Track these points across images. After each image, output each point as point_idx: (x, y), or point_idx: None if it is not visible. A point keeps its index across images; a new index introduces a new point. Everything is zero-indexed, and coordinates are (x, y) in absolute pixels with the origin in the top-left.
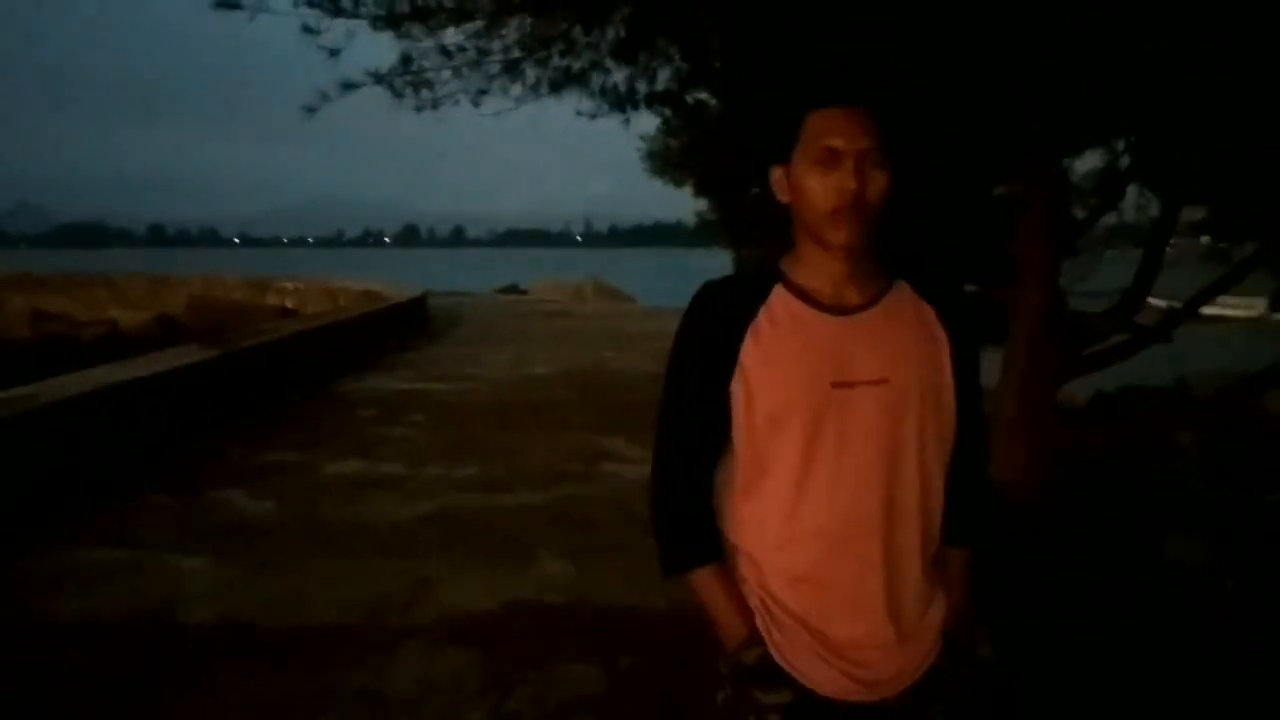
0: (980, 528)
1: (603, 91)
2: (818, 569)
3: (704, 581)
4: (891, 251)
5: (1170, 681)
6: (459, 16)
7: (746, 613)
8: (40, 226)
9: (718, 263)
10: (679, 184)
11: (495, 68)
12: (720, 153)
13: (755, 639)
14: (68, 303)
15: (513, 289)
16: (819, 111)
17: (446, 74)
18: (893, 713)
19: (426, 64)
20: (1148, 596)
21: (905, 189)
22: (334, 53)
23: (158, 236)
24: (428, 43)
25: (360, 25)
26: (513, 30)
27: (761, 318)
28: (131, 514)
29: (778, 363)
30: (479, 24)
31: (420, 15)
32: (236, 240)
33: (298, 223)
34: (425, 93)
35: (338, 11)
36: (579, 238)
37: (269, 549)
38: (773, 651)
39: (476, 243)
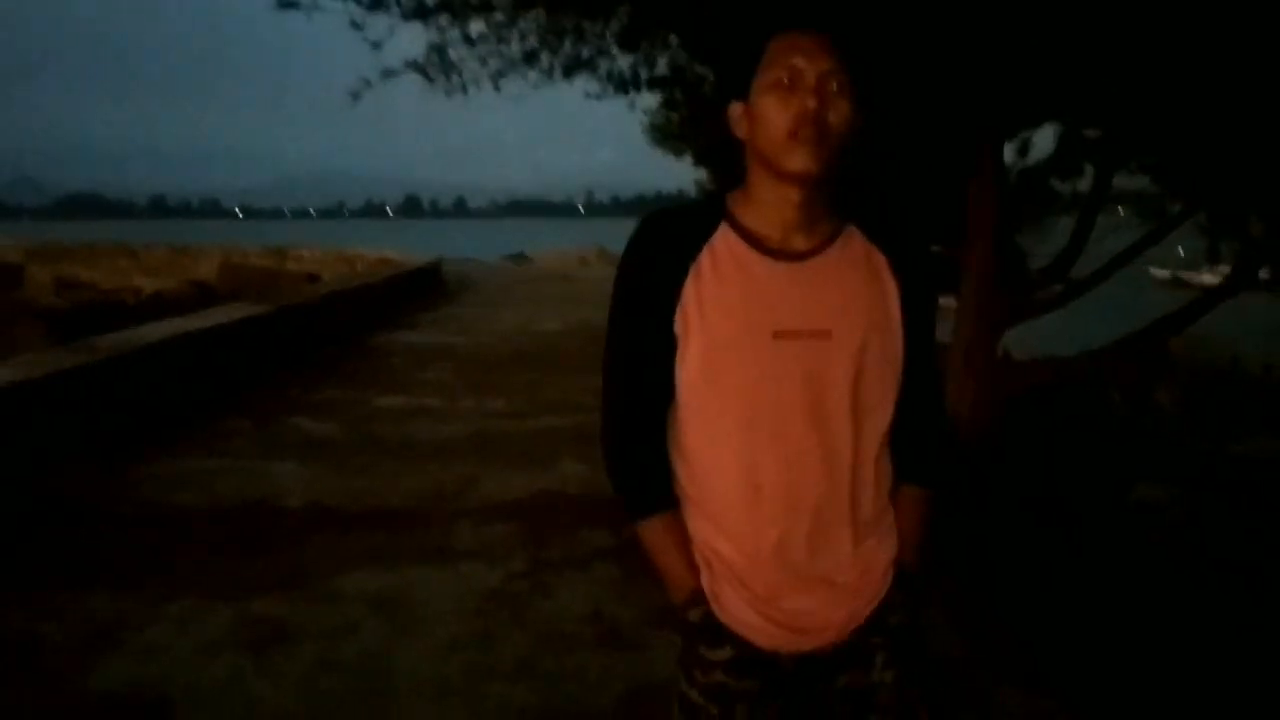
0: (935, 468)
1: (609, 76)
2: (757, 521)
3: (652, 533)
4: (845, 194)
5: (1123, 602)
6: (482, 8)
7: (694, 568)
8: (40, 198)
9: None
10: (679, 154)
11: (515, 55)
12: (715, 124)
13: (699, 596)
14: (91, 272)
15: (520, 257)
16: (781, 36)
17: (471, 60)
18: (836, 654)
19: (453, 53)
20: (1112, 532)
21: (867, 128)
22: (376, 45)
23: (159, 208)
24: (453, 32)
25: (393, 20)
26: (530, 21)
27: (704, 257)
28: (221, 435)
29: (717, 307)
30: (500, 15)
31: (448, 6)
32: (238, 211)
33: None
34: (455, 78)
35: (376, 5)
36: (581, 208)
37: (339, 458)
38: (714, 608)
39: (479, 213)
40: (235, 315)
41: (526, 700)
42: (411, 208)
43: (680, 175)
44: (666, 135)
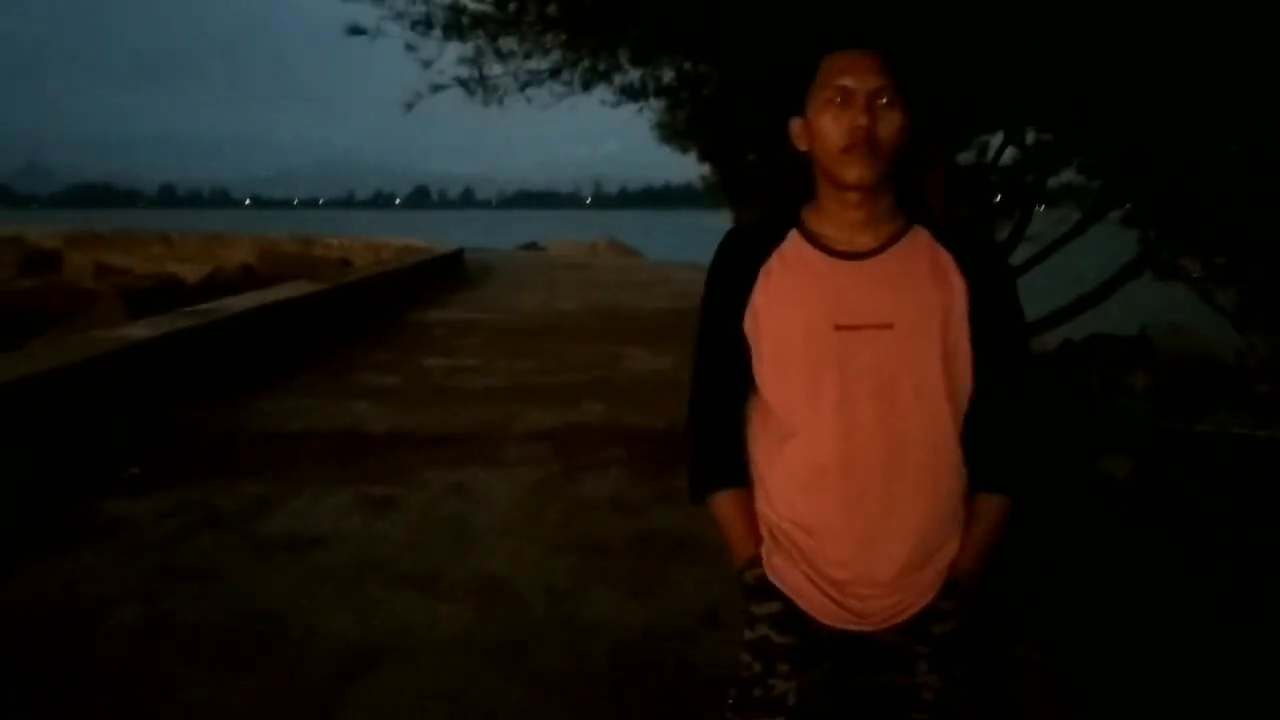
0: (1015, 476)
1: (622, 88)
2: (818, 507)
3: (721, 504)
4: (912, 196)
5: (1079, 558)
6: (512, 25)
7: (756, 538)
8: (51, 187)
9: (721, 223)
10: (685, 151)
11: (541, 69)
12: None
13: (756, 560)
14: (126, 258)
15: (533, 246)
16: (832, 56)
17: (504, 76)
18: (878, 644)
19: (487, 70)
20: (1075, 499)
21: (923, 135)
22: (426, 64)
23: (169, 197)
24: (488, 48)
25: (440, 43)
26: (554, 40)
27: (774, 260)
28: (305, 385)
29: (782, 304)
30: (527, 32)
31: (482, 24)
32: (247, 201)
33: (308, 184)
34: (489, 91)
35: (427, 27)
36: (588, 199)
37: (404, 400)
38: (768, 573)
39: (486, 204)
40: (301, 291)
41: (565, 539)
42: (420, 198)
43: (689, 168)
44: (673, 133)
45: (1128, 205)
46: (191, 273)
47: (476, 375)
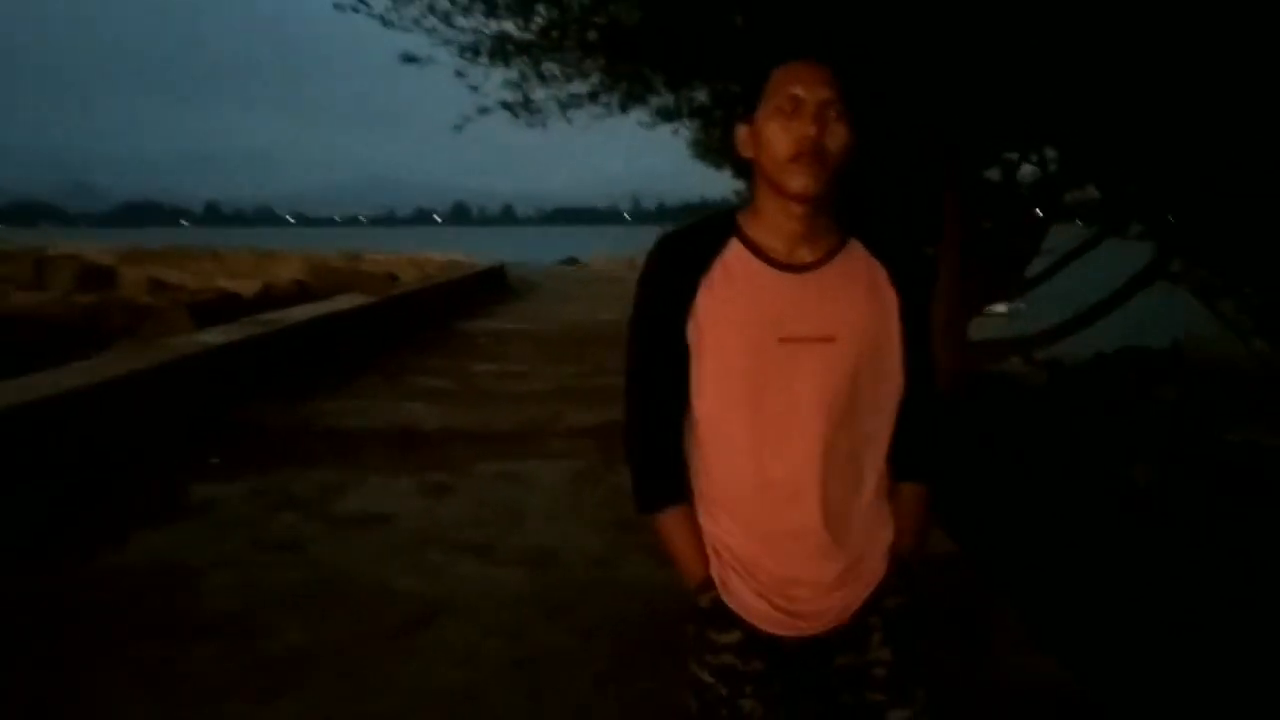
0: (933, 464)
1: (658, 110)
2: (762, 517)
3: (667, 524)
4: (847, 210)
5: (1098, 554)
6: (553, 50)
7: (704, 557)
8: (100, 205)
9: None
10: (719, 167)
11: (582, 92)
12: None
13: (709, 584)
14: (180, 274)
15: (572, 260)
16: (784, 66)
17: (547, 100)
18: (836, 636)
19: (531, 94)
20: (1100, 505)
21: (864, 148)
22: (474, 88)
23: (214, 214)
24: (531, 73)
25: (486, 68)
26: (593, 65)
27: (716, 269)
28: (363, 387)
29: (727, 316)
30: (569, 58)
31: (526, 50)
32: (290, 218)
33: (350, 201)
34: (536, 114)
35: (475, 54)
36: (627, 215)
37: (455, 401)
38: (723, 595)
39: (526, 220)
40: (356, 303)
41: (605, 518)
42: (460, 215)
43: (726, 183)
44: (707, 150)
45: (1136, 219)
46: (244, 288)
47: (522, 380)
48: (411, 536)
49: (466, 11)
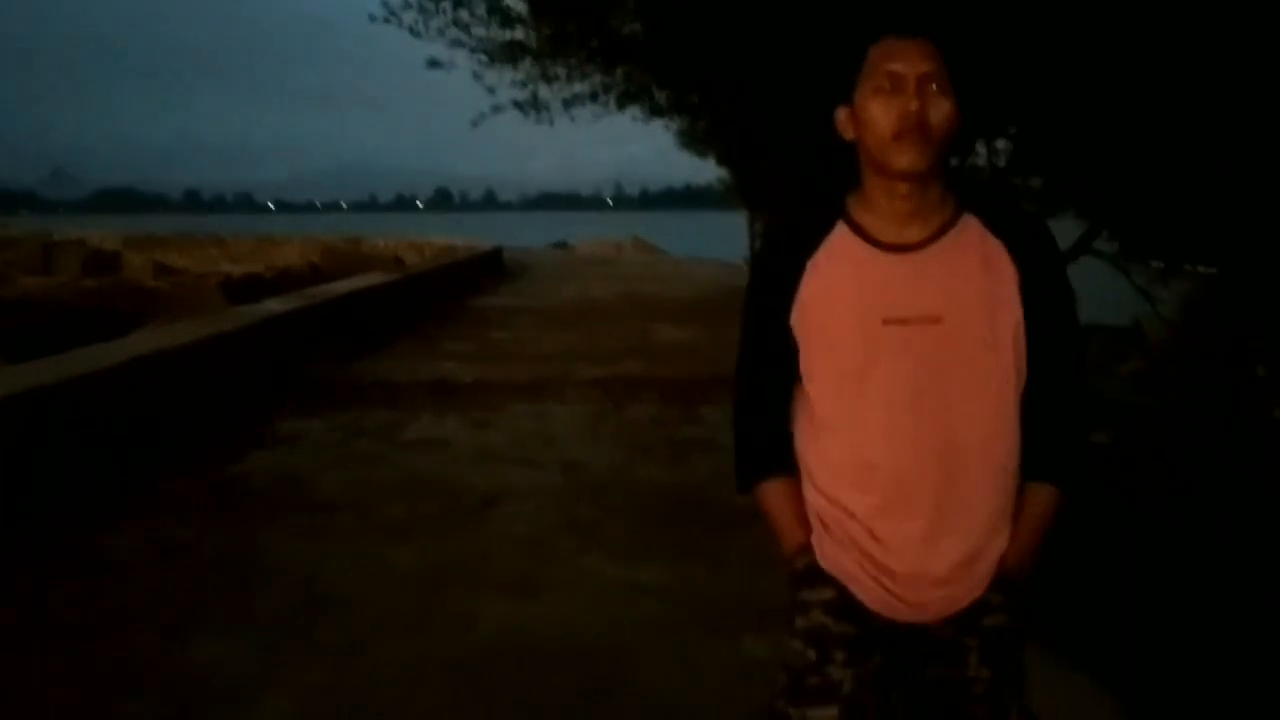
0: (1065, 465)
1: (651, 107)
2: (872, 502)
3: (769, 494)
4: (963, 184)
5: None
6: (557, 55)
7: (805, 526)
8: (76, 192)
9: (738, 223)
10: (703, 156)
11: (584, 93)
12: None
13: (807, 548)
14: (184, 259)
15: (562, 244)
16: (881, 43)
17: (550, 97)
18: (930, 638)
19: (538, 93)
20: None
21: (971, 121)
22: (491, 90)
23: (194, 201)
24: (536, 75)
25: (499, 71)
26: (594, 69)
27: (821, 253)
28: (399, 350)
29: (830, 298)
30: (573, 62)
31: (534, 55)
32: (270, 205)
33: (330, 188)
34: (543, 111)
35: (491, 59)
36: (610, 201)
37: (481, 360)
38: (820, 560)
39: (508, 206)
40: (383, 279)
41: (620, 441)
42: (442, 200)
43: (709, 170)
44: (693, 140)
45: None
46: (252, 270)
47: (535, 344)
48: (467, 453)
49: (485, 23)
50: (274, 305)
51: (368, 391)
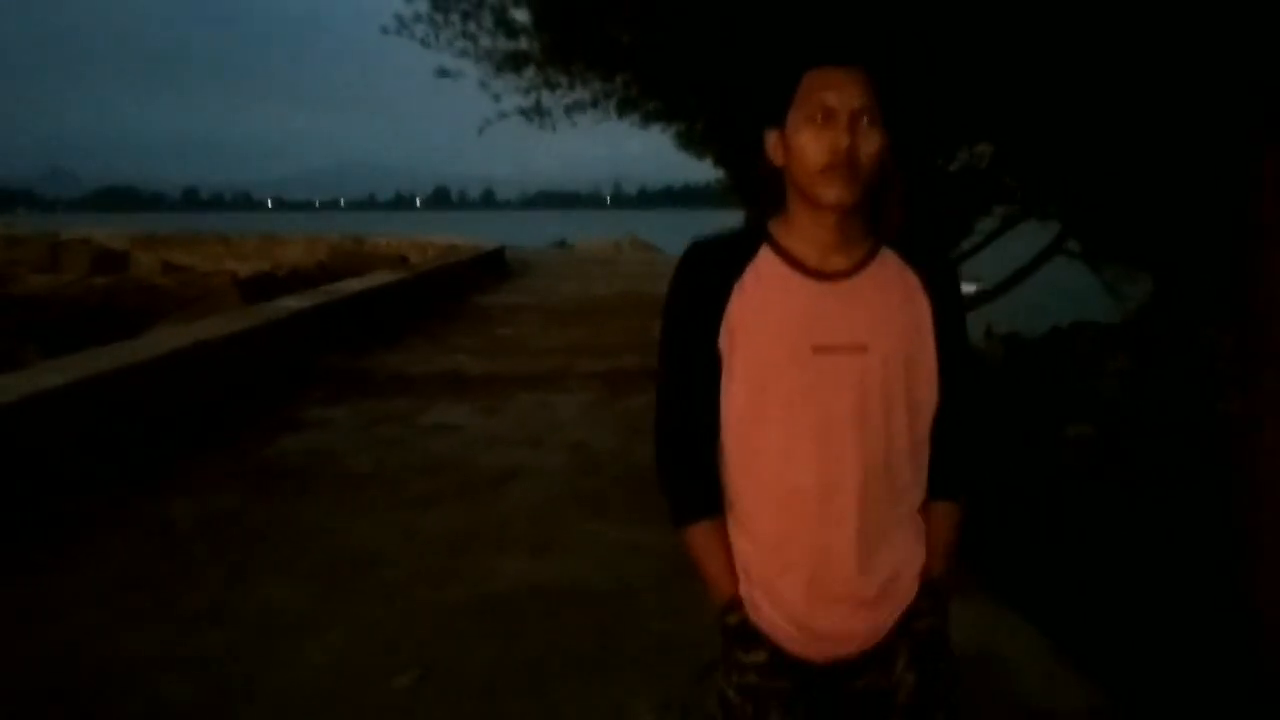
0: (968, 482)
1: (647, 113)
2: (791, 531)
3: (696, 538)
4: (878, 216)
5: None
6: (559, 63)
7: (733, 575)
8: (75, 190)
9: (736, 222)
10: (700, 157)
11: (584, 100)
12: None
13: (737, 603)
14: (191, 257)
15: (562, 243)
16: (815, 71)
17: (552, 103)
18: (862, 657)
19: (542, 101)
20: (1039, 458)
21: (900, 153)
22: (497, 97)
23: (192, 200)
24: (539, 81)
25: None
26: (593, 76)
27: (748, 277)
28: (410, 345)
29: (760, 324)
30: (574, 69)
31: (537, 63)
32: (269, 204)
33: (329, 186)
34: (546, 117)
35: (497, 69)
36: (608, 199)
37: (488, 354)
38: (750, 614)
39: (507, 204)
40: (392, 278)
41: (618, 427)
42: (441, 199)
43: (706, 169)
44: (690, 140)
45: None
46: (260, 269)
47: (538, 339)
48: (480, 437)
49: (492, 34)
50: (294, 302)
51: (384, 383)
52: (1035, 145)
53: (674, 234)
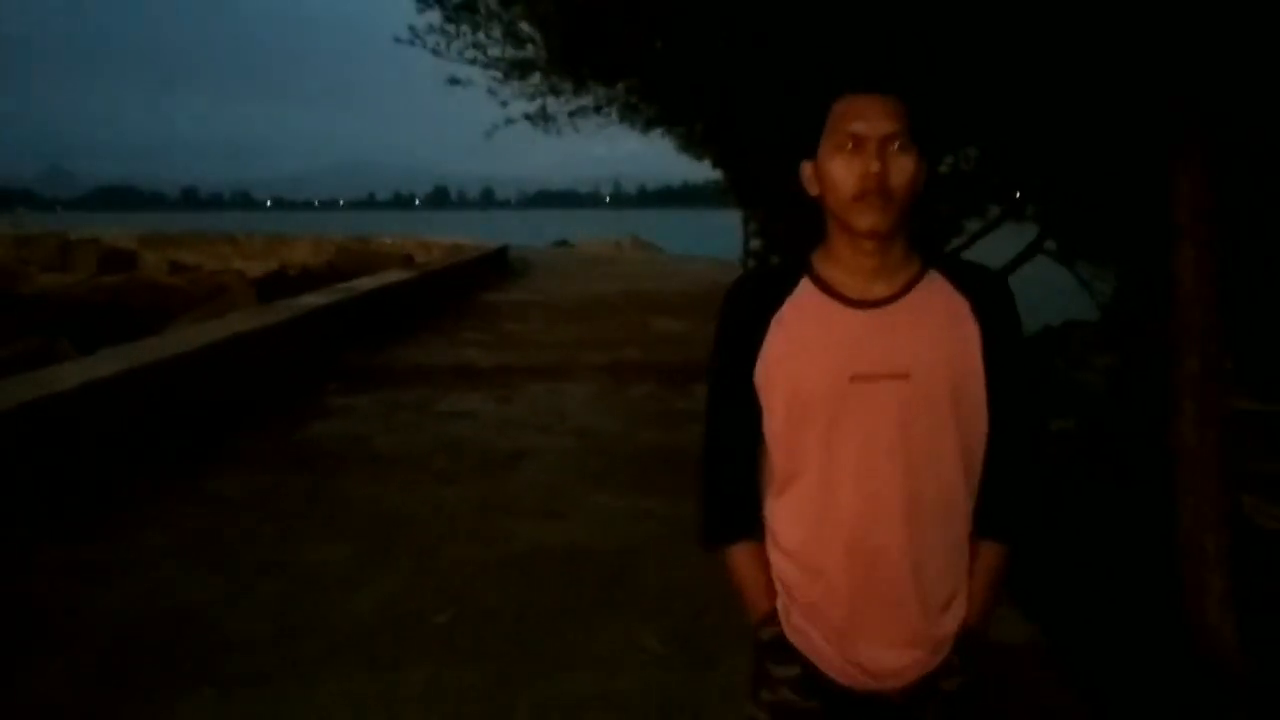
0: (1017, 523)
1: (647, 120)
2: (837, 562)
3: (735, 558)
4: (928, 240)
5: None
6: (563, 71)
7: (771, 593)
8: (74, 190)
9: (734, 221)
10: (699, 158)
11: (587, 106)
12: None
13: (773, 618)
14: (197, 256)
15: (563, 243)
16: (843, 99)
17: (560, 111)
18: (889, 704)
19: (547, 108)
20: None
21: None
22: (504, 104)
23: (191, 199)
24: (545, 87)
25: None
26: (597, 83)
27: (786, 309)
28: (423, 340)
29: (797, 354)
30: (579, 76)
31: (539, 69)
32: (268, 203)
33: (328, 186)
34: (552, 122)
35: (505, 76)
36: (607, 199)
37: (499, 348)
38: (787, 632)
39: (506, 204)
40: (403, 276)
41: (623, 414)
42: (440, 198)
43: (705, 169)
44: (689, 142)
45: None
46: (252, 270)
47: (545, 334)
48: (493, 422)
49: (500, 44)
50: (314, 299)
51: (402, 374)
52: (1016, 149)
53: (673, 233)
